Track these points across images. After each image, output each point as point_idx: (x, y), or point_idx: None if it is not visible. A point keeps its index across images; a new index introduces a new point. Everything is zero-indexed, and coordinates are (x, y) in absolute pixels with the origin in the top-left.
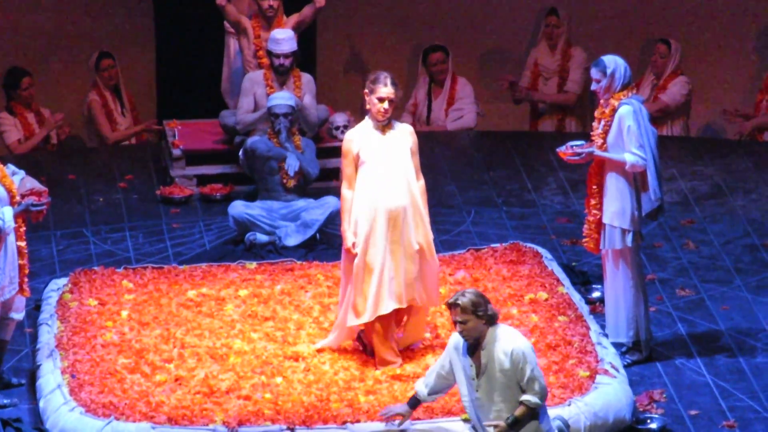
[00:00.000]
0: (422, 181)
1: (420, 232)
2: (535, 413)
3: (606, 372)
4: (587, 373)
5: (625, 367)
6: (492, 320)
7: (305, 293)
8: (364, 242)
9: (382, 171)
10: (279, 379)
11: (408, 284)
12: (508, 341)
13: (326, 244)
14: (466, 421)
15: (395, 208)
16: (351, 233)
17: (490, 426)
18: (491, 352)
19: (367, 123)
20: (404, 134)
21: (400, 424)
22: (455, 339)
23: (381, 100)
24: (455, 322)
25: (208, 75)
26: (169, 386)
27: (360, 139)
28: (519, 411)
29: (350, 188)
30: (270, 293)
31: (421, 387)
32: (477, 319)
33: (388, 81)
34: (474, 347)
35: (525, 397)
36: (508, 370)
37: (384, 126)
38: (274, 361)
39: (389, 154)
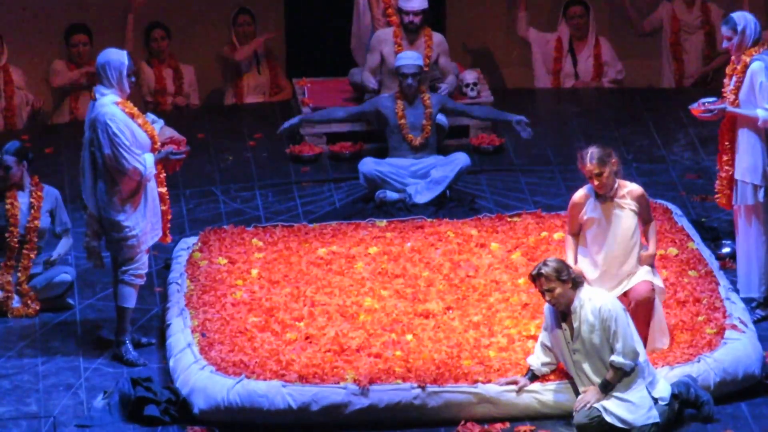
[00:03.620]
0: (653, 223)
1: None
2: (627, 373)
3: (735, 327)
4: (714, 330)
5: (755, 322)
6: (577, 283)
7: (435, 250)
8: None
9: (601, 244)
10: (409, 337)
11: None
12: (596, 301)
13: (456, 201)
14: None
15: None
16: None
17: (582, 402)
18: (581, 314)
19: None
20: (629, 200)
21: (519, 390)
22: (548, 309)
23: (589, 177)
24: (543, 293)
25: (337, 32)
26: (299, 344)
27: (585, 204)
28: (609, 374)
29: (570, 233)
30: (400, 251)
31: (533, 361)
32: (562, 284)
33: (587, 157)
34: (565, 313)
35: (612, 358)
36: (598, 328)
37: (607, 196)
38: (404, 319)
39: (609, 228)
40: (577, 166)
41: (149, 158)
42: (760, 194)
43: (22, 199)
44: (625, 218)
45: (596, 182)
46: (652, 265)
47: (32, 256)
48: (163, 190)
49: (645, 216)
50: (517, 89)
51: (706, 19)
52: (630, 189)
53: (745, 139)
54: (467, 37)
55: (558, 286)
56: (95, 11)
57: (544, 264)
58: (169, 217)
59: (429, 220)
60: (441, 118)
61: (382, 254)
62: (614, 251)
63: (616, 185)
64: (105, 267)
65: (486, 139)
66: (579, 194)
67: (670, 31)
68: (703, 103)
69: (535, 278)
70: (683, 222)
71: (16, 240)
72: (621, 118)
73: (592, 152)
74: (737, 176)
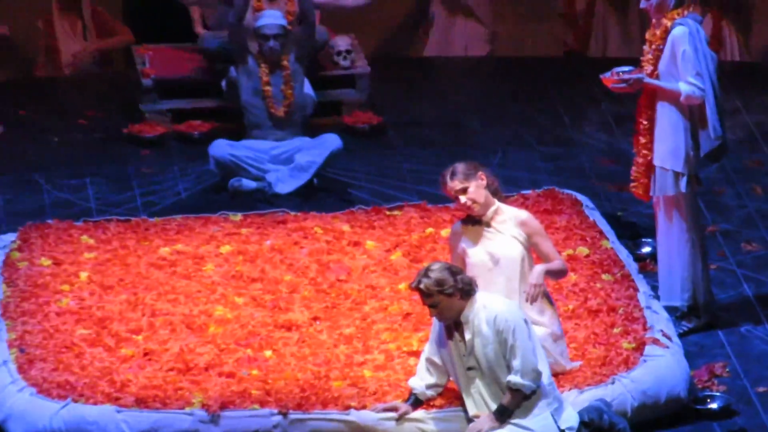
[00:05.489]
0: (560, 261)
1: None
2: (527, 396)
3: (657, 342)
4: (632, 345)
5: (680, 336)
6: (467, 292)
7: (300, 250)
8: None
9: (480, 275)
10: (268, 353)
11: None
12: (491, 309)
13: (325, 190)
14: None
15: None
16: None
17: (474, 431)
18: (474, 325)
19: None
20: (511, 227)
21: (399, 418)
22: (436, 321)
23: (453, 196)
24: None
25: None
26: (136, 362)
27: (463, 234)
28: (506, 397)
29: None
30: (258, 250)
31: (416, 383)
32: (447, 297)
33: (448, 175)
34: (456, 324)
35: (509, 378)
36: (493, 341)
37: (483, 220)
38: (263, 332)
39: (486, 257)
40: (464, 147)
41: None
42: (682, 184)
43: None
44: (506, 246)
45: (462, 200)
46: (546, 294)
47: None
48: None
49: (543, 252)
50: (401, 58)
51: None
52: (513, 214)
53: (666, 119)
54: None
55: (441, 300)
56: None
57: (425, 274)
58: None
59: (293, 213)
60: (308, 89)
61: (236, 254)
62: (494, 286)
63: (494, 207)
64: None
65: (362, 117)
66: (457, 223)
67: None
68: (617, 73)
69: (416, 291)
70: (595, 216)
71: None
72: (520, 92)
73: (455, 168)
74: (656, 162)
